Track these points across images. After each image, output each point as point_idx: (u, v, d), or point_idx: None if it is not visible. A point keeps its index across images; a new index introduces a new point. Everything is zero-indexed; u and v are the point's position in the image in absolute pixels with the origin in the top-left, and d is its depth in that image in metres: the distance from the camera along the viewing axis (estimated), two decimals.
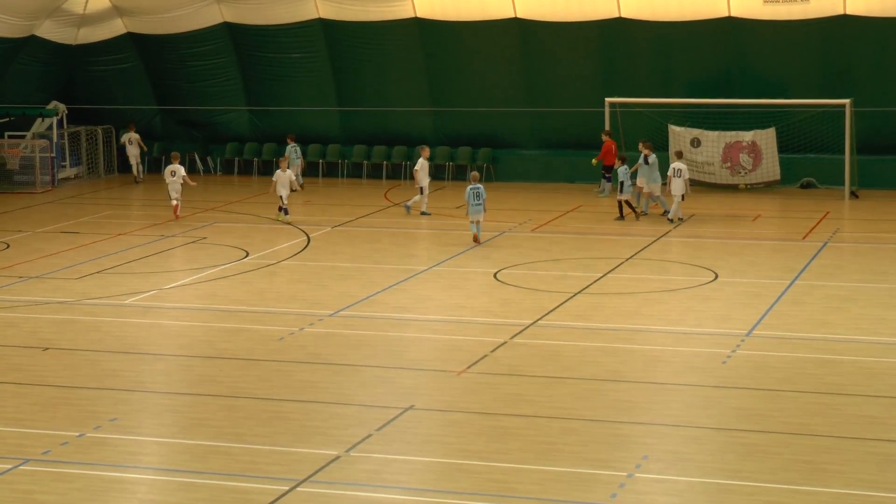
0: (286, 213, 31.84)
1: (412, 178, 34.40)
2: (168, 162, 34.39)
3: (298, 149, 37.81)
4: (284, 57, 39.61)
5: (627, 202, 31.80)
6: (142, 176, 40.15)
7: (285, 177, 31.79)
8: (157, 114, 41.43)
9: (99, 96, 40.92)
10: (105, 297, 24.16)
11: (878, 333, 21.01)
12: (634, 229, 30.67)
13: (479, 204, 28.75)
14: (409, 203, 32.96)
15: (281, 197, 31.72)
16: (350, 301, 23.64)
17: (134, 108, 40.97)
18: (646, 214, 31.97)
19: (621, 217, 31.68)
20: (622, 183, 31.60)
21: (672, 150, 34.96)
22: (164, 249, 28.92)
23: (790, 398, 17.59)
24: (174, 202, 32.61)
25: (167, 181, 32.85)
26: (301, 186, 36.90)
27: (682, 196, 31.17)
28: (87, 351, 20.47)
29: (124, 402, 17.78)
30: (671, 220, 31.12)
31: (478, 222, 28.87)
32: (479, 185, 28.98)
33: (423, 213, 32.51)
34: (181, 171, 32.89)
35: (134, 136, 40.01)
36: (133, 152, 40.03)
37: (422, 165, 32.56)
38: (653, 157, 31.96)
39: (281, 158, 33.48)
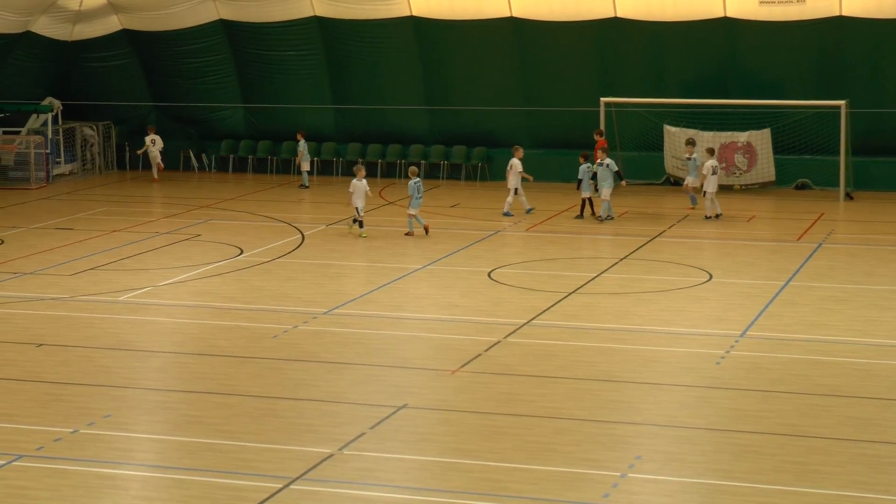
0: (361, 225, 29.76)
1: (408, 176, 34.15)
2: (146, 134, 39.49)
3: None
4: (280, 54, 39.59)
5: (589, 200, 31.77)
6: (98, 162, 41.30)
7: (361, 186, 29.51)
8: (152, 110, 41.37)
9: (94, 93, 40.88)
10: (99, 294, 24.14)
11: (872, 335, 21.03)
12: (628, 230, 30.67)
13: (420, 197, 29.65)
14: (519, 209, 32.23)
15: (357, 209, 29.53)
16: (344, 299, 23.63)
17: (129, 104, 40.93)
18: (612, 219, 31.62)
19: (581, 216, 31.70)
20: (580, 181, 31.60)
21: (667, 151, 34.91)
22: (159, 246, 28.89)
23: (783, 399, 17.60)
24: (156, 166, 38.88)
25: (151, 148, 38.91)
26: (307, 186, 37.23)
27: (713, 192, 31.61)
28: (80, 347, 20.46)
29: (118, 399, 17.77)
30: (710, 217, 31.51)
31: (416, 215, 29.59)
32: (419, 179, 29.76)
33: (504, 214, 32.13)
34: (160, 139, 39.06)
35: (89, 131, 40.66)
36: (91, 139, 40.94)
37: (514, 166, 32.09)
38: (608, 161, 31.57)
39: (356, 167, 30.30)
